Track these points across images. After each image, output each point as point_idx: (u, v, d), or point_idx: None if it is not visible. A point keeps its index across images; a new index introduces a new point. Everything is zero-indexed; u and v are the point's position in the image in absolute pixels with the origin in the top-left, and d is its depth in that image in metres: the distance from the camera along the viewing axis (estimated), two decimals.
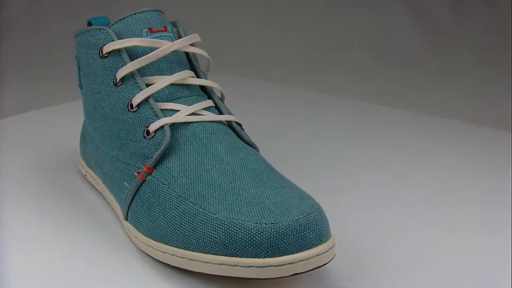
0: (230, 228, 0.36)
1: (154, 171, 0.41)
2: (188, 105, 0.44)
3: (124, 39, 0.44)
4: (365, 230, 0.46)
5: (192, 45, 0.47)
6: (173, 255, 0.38)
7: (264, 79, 0.91)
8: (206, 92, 0.46)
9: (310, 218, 0.36)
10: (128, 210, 0.42)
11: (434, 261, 0.42)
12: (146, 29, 0.45)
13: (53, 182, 0.53)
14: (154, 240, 0.40)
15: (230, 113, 0.46)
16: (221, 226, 0.36)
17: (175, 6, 0.83)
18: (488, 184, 0.55)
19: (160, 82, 0.43)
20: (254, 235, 0.35)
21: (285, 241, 0.35)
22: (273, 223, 0.35)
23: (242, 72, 0.92)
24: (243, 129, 0.46)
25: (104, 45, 0.44)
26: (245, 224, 0.36)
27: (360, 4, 1.09)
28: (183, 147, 0.42)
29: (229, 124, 0.45)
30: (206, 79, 0.47)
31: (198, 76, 0.47)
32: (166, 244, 0.39)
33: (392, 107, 0.79)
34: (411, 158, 0.61)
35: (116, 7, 1.03)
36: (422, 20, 1.06)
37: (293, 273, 0.35)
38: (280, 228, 0.35)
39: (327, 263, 0.37)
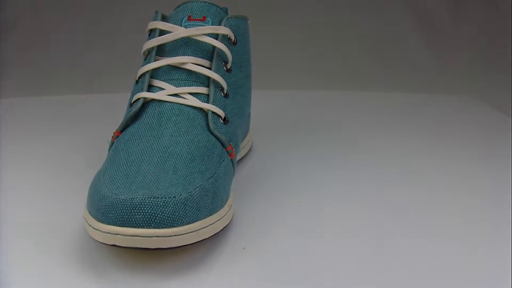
0: (96, 191, 0.40)
1: (120, 135, 0.47)
2: (176, 87, 0.47)
3: (156, 21, 0.50)
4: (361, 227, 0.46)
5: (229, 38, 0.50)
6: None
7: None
8: (209, 81, 0.48)
9: (148, 201, 0.37)
10: None
11: (434, 260, 0.41)
12: (186, 17, 0.50)
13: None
14: None
15: (215, 105, 0.47)
16: (95, 189, 0.40)
17: None
18: (486, 185, 0.55)
19: (159, 61, 0.48)
20: (99, 200, 0.38)
21: (113, 212, 0.37)
22: (115, 195, 0.38)
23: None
24: (224, 121, 0.47)
25: None
26: (103, 190, 0.39)
27: (360, 4, 1.06)
28: (144, 120, 0.46)
29: (207, 113, 0.47)
30: (224, 72, 0.49)
31: (210, 67, 0.49)
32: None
33: (391, 107, 0.80)
34: (408, 162, 0.60)
35: (115, 7, 1.05)
36: (422, 20, 1.05)
37: (112, 243, 0.37)
38: (116, 200, 0.37)
39: (153, 248, 0.37)
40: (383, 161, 0.60)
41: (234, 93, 0.50)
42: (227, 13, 0.55)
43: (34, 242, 0.43)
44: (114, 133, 0.47)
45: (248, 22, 0.56)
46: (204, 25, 0.49)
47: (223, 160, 0.45)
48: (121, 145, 0.44)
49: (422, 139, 0.68)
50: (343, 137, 0.67)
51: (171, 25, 0.49)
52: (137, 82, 0.49)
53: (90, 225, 0.39)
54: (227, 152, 0.46)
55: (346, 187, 0.53)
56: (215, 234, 0.41)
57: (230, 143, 0.47)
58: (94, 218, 0.38)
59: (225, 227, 0.43)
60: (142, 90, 0.47)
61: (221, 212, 0.42)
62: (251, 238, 0.44)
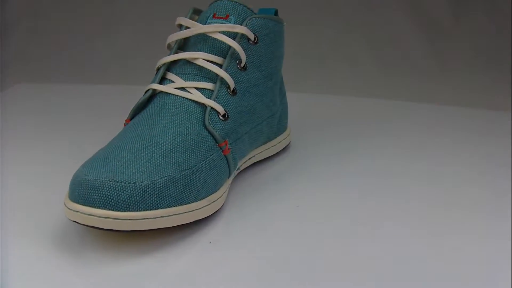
0: (76, 172, 0.43)
1: (128, 122, 0.50)
2: (185, 81, 0.49)
3: (180, 17, 0.52)
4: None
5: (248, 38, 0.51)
6: None
7: None
8: (218, 78, 0.49)
9: (106, 184, 0.39)
10: None
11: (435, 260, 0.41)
12: (212, 15, 0.52)
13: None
14: None
15: (217, 101, 0.48)
16: (78, 170, 0.43)
17: None
18: (487, 185, 0.54)
19: (174, 55, 0.50)
20: (74, 179, 0.42)
21: (77, 191, 0.40)
22: (85, 175, 0.41)
23: None
24: (224, 117, 0.48)
25: None
26: (79, 170, 0.42)
27: (361, 4, 1.06)
28: (148, 110, 0.48)
29: (205, 108, 0.48)
30: (237, 70, 0.50)
31: (220, 64, 0.50)
32: None
33: (391, 107, 0.80)
34: (408, 163, 0.59)
35: (115, 8, 1.04)
36: (422, 20, 1.05)
37: (73, 220, 0.40)
38: (82, 180, 0.40)
39: (106, 229, 0.39)
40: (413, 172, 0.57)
41: (245, 92, 0.51)
42: (276, 14, 0.55)
43: (24, 220, 0.46)
44: (126, 120, 0.50)
45: (284, 24, 0.56)
46: (224, 23, 0.50)
47: (211, 155, 0.46)
48: (122, 131, 0.47)
49: (422, 140, 0.67)
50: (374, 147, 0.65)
51: (191, 21, 0.51)
52: (156, 73, 0.51)
53: (63, 201, 0.42)
54: (220, 148, 0.47)
55: (351, 194, 0.51)
56: (188, 225, 0.43)
57: (226, 139, 0.48)
58: (67, 194, 0.42)
59: (201, 219, 0.44)
60: (154, 82, 0.50)
61: (194, 205, 0.43)
62: (225, 234, 0.44)
